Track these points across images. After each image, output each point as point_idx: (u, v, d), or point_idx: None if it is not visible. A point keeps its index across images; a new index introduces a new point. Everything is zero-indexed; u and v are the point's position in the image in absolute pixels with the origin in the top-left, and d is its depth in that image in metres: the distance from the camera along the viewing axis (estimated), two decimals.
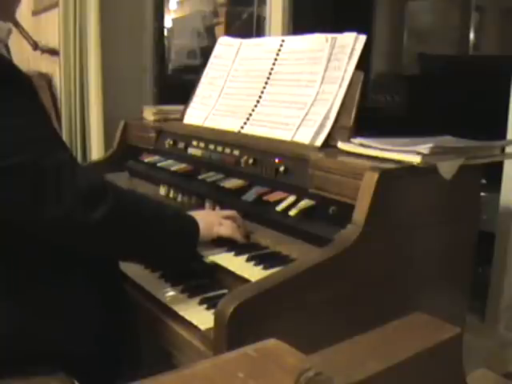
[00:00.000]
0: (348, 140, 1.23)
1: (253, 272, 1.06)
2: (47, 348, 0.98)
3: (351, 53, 1.31)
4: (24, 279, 0.99)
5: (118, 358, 1.08)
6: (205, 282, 1.15)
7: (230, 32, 1.81)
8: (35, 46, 3.67)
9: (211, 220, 1.18)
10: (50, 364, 0.99)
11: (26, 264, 0.99)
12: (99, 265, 1.08)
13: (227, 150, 1.43)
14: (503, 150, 1.30)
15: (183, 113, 1.76)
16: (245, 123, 1.50)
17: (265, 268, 1.07)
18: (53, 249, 0.99)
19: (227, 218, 1.21)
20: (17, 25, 3.64)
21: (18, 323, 0.97)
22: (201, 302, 1.06)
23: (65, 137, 3.14)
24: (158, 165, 1.60)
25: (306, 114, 1.35)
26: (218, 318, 0.89)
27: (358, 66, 1.30)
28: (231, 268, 1.10)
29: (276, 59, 1.50)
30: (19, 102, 0.96)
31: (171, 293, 1.11)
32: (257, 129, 1.46)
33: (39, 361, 0.98)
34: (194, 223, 1.14)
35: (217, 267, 1.14)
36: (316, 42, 1.41)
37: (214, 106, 1.64)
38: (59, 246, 0.99)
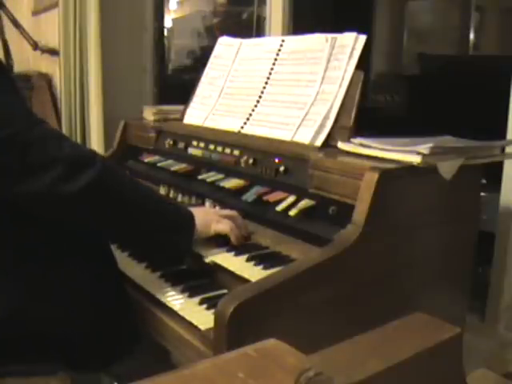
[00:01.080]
0: (348, 140, 1.23)
1: (253, 272, 1.06)
2: (43, 329, 0.99)
3: (351, 53, 1.31)
4: (21, 264, 1.00)
5: (117, 352, 1.08)
6: (205, 281, 1.15)
7: (230, 32, 1.80)
8: (35, 45, 3.67)
9: (210, 217, 1.18)
10: (45, 348, 1.00)
11: (22, 250, 1.00)
12: (96, 253, 1.09)
13: (227, 150, 1.43)
14: (503, 150, 1.30)
15: (183, 113, 1.76)
16: (245, 123, 1.50)
17: (265, 268, 1.07)
18: (48, 235, 1.01)
19: (226, 217, 1.21)
20: (17, 25, 3.65)
21: (16, 307, 0.99)
22: (201, 302, 1.06)
23: None
24: (158, 165, 1.60)
25: (306, 114, 1.35)
26: (218, 318, 0.89)
27: (358, 66, 1.30)
28: (231, 268, 1.10)
29: (276, 59, 1.50)
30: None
31: (171, 293, 1.11)
32: (257, 129, 1.46)
33: (35, 345, 0.99)
34: (190, 216, 1.14)
35: (217, 267, 1.14)
36: (316, 41, 1.41)
37: (213, 106, 1.64)
38: (53, 228, 1.00)
